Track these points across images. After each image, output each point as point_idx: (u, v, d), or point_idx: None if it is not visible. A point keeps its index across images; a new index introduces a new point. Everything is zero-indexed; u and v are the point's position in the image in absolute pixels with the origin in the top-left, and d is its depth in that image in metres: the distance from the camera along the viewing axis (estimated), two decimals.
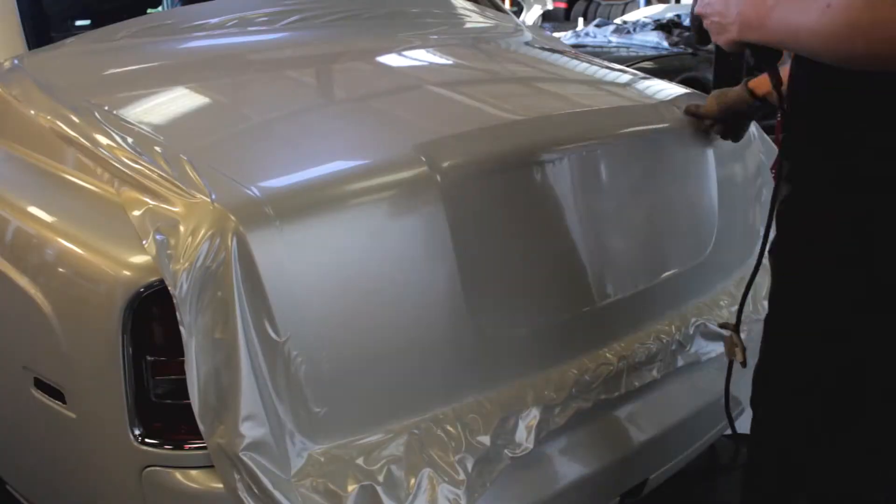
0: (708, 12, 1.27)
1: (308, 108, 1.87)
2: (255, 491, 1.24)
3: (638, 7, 12.88)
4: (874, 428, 1.28)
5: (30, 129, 1.67)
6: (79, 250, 1.39)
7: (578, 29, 9.32)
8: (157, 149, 1.44)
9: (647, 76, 2.31)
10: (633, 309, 1.76)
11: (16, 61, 1.84)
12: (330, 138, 1.65)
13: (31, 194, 1.57)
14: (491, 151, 1.57)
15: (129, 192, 1.37)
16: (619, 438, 1.73)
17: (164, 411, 1.32)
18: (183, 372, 1.23)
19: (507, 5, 5.69)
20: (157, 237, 1.26)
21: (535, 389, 1.55)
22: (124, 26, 1.99)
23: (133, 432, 1.31)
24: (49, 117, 1.60)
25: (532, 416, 1.52)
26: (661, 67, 6.27)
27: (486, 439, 1.45)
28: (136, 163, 1.40)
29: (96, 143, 1.49)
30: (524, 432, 1.51)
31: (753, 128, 2.10)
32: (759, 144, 2.11)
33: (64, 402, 1.41)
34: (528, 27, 2.68)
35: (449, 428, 1.43)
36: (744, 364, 1.51)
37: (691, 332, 1.83)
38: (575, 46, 5.24)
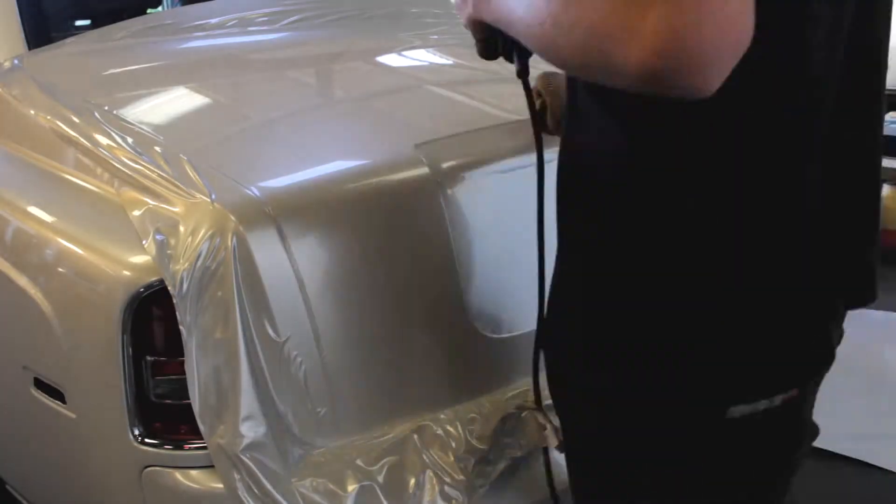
0: None
1: (308, 108, 1.87)
2: (255, 491, 1.24)
3: None
4: None
5: (30, 129, 1.67)
6: (79, 250, 1.39)
7: None
8: (157, 149, 1.44)
9: None
10: None
11: (16, 61, 1.84)
12: (330, 138, 1.65)
13: (31, 194, 1.57)
14: (491, 151, 1.56)
15: (129, 192, 1.37)
16: None
17: (163, 411, 1.32)
18: (183, 372, 1.23)
19: None
20: (157, 237, 1.26)
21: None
22: (124, 26, 2.00)
23: (133, 432, 1.31)
24: (49, 117, 1.60)
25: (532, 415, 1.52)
26: None
27: (486, 439, 1.45)
28: (136, 163, 1.40)
29: (96, 143, 1.49)
30: (524, 432, 1.51)
31: None
32: None
33: (64, 402, 1.41)
34: None
35: (449, 428, 1.43)
36: (560, 449, 1.20)
37: None
38: None
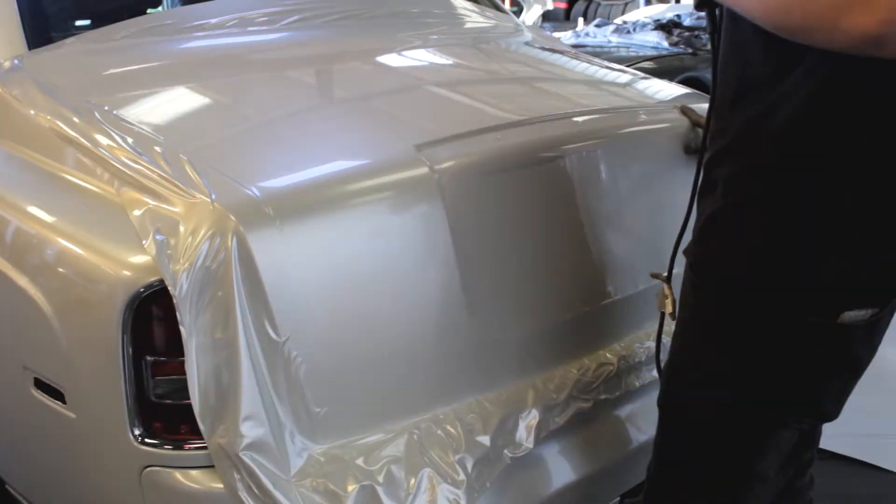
0: None
1: (308, 108, 1.87)
2: (255, 491, 1.24)
3: (638, 7, 12.88)
4: None
5: (30, 129, 1.67)
6: (79, 250, 1.39)
7: (578, 29, 9.31)
8: (157, 149, 1.44)
9: (647, 76, 2.31)
10: (634, 309, 1.76)
11: (16, 61, 1.84)
12: (330, 138, 1.65)
13: (31, 194, 1.57)
14: (491, 151, 1.56)
15: (129, 192, 1.37)
16: (619, 438, 1.73)
17: (164, 411, 1.32)
18: (183, 372, 1.23)
19: (507, 5, 5.70)
20: (157, 237, 1.26)
21: (535, 389, 1.55)
22: (124, 26, 1.99)
23: (133, 432, 1.31)
24: (49, 117, 1.61)
25: (532, 416, 1.52)
26: (661, 67, 6.27)
27: (486, 439, 1.45)
28: (136, 163, 1.40)
29: (96, 143, 1.49)
30: (524, 432, 1.51)
31: None
32: None
33: (64, 402, 1.41)
34: (528, 27, 2.68)
35: (449, 428, 1.43)
36: (673, 317, 1.45)
37: None
38: (575, 46, 5.24)
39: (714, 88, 1.22)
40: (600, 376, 1.63)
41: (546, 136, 1.67)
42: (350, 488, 1.30)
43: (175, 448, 1.32)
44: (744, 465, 1.28)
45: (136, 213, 1.32)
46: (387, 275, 1.39)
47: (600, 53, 6.46)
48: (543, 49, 2.46)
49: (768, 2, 0.97)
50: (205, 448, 1.27)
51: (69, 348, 1.38)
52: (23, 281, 1.45)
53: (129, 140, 1.47)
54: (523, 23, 2.73)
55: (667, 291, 1.50)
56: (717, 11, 1.22)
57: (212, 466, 1.28)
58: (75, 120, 1.57)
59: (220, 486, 1.27)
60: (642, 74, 2.36)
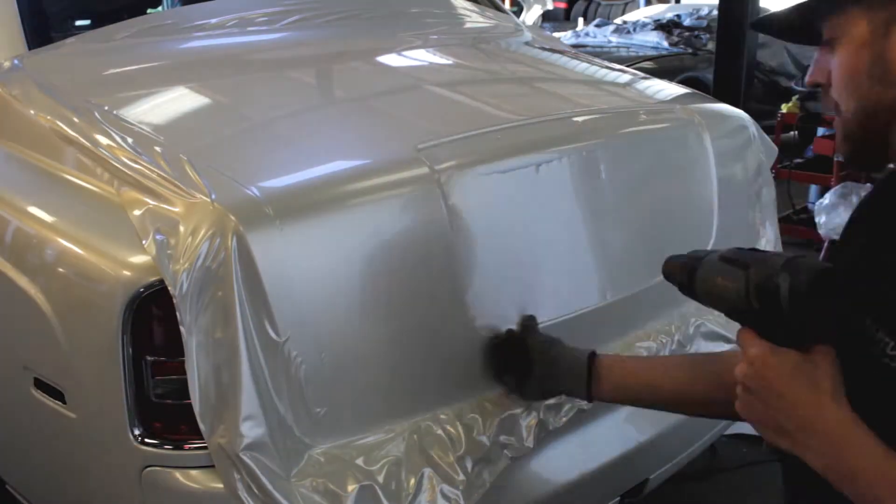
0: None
1: (308, 108, 1.87)
2: (255, 491, 1.24)
3: (638, 7, 12.88)
4: None
5: (30, 129, 1.67)
6: (79, 250, 1.39)
7: (578, 29, 9.32)
8: (157, 149, 1.44)
9: (647, 76, 2.31)
10: (634, 309, 1.76)
11: (16, 61, 1.84)
12: (330, 138, 1.65)
13: (31, 194, 1.57)
14: (491, 152, 1.56)
15: (129, 192, 1.37)
16: (619, 438, 1.73)
17: (164, 411, 1.32)
18: (183, 372, 1.23)
19: (507, 5, 5.70)
20: (157, 237, 1.26)
21: None
22: (124, 26, 1.99)
23: (133, 432, 1.31)
24: (49, 117, 1.60)
25: (532, 416, 1.52)
26: (661, 67, 6.27)
27: (485, 439, 1.45)
28: (136, 163, 1.40)
29: (96, 143, 1.49)
30: (524, 432, 1.51)
31: (753, 128, 2.10)
32: (758, 144, 2.11)
33: (64, 402, 1.41)
34: (528, 27, 2.68)
35: (449, 428, 1.43)
36: None
37: (691, 332, 1.83)
38: (575, 46, 5.24)
39: None
40: None
41: (546, 136, 1.67)
42: (350, 488, 1.30)
43: (175, 448, 1.31)
44: None
45: (136, 213, 1.32)
46: (387, 275, 1.39)
47: (600, 53, 6.46)
48: (543, 49, 2.46)
49: None
50: (205, 448, 1.27)
51: (69, 348, 1.38)
52: (23, 281, 1.45)
53: (129, 140, 1.47)
54: (523, 23, 2.74)
55: None
56: None
57: (212, 466, 1.28)
58: (75, 120, 1.57)
59: (220, 486, 1.27)
60: (642, 74, 2.36)
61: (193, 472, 1.31)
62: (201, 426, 1.23)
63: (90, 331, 1.35)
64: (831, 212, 4.34)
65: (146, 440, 1.32)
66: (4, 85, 1.77)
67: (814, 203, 4.78)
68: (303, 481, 1.29)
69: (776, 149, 2.25)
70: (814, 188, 5.03)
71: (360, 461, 1.34)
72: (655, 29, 7.43)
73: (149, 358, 1.30)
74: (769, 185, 2.14)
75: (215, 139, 1.64)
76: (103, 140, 1.49)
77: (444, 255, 1.44)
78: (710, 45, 6.66)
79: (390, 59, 2.17)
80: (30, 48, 1.89)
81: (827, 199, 4.57)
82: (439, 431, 1.42)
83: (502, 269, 1.56)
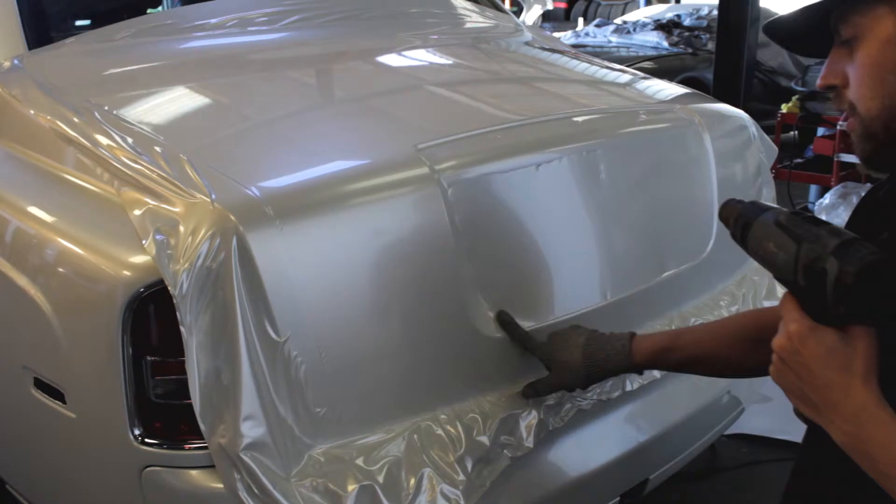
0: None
1: (308, 108, 1.87)
2: (255, 491, 1.24)
3: (638, 7, 12.89)
4: None
5: (30, 129, 1.67)
6: (79, 250, 1.39)
7: (578, 29, 9.32)
8: (157, 149, 1.44)
9: (647, 76, 2.31)
10: (634, 309, 1.76)
11: (16, 61, 1.84)
12: (330, 138, 1.65)
13: (31, 194, 1.57)
14: (491, 152, 1.57)
15: (129, 192, 1.37)
16: (619, 438, 1.73)
17: (164, 411, 1.32)
18: (183, 372, 1.23)
19: (507, 5, 5.70)
20: (157, 237, 1.26)
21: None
22: (124, 26, 2.00)
23: (133, 432, 1.31)
24: (49, 117, 1.61)
25: (532, 416, 1.52)
26: (661, 67, 6.28)
27: (485, 439, 1.45)
28: (136, 163, 1.40)
29: (96, 143, 1.49)
30: (524, 432, 1.51)
31: (753, 128, 2.10)
32: (759, 144, 2.11)
33: (64, 402, 1.41)
34: (528, 27, 2.68)
35: (449, 428, 1.43)
36: None
37: None
38: (575, 46, 5.24)
39: None
40: None
41: (546, 136, 1.67)
42: (350, 488, 1.30)
43: (175, 448, 1.32)
44: None
45: (136, 213, 1.32)
46: (387, 275, 1.39)
47: (600, 53, 6.47)
48: (543, 49, 2.46)
49: None
50: (205, 448, 1.27)
51: (69, 348, 1.38)
52: (23, 281, 1.45)
53: (129, 140, 1.47)
54: (523, 23, 2.74)
55: None
56: None
57: (212, 466, 1.28)
58: (75, 120, 1.57)
59: (220, 486, 1.27)
60: (642, 74, 2.36)
61: (193, 472, 1.31)
62: (202, 426, 1.23)
63: (90, 331, 1.35)
64: (831, 212, 4.34)
65: (146, 440, 1.32)
66: (4, 85, 1.77)
67: (814, 203, 4.79)
68: (303, 481, 1.29)
69: (776, 149, 2.25)
70: (814, 188, 5.04)
71: (360, 461, 1.34)
72: (655, 29, 7.44)
73: (149, 358, 1.30)
74: (769, 185, 2.14)
75: (215, 139, 1.64)
76: (103, 140, 1.49)
77: (444, 255, 1.44)
78: (710, 45, 6.67)
79: (390, 59, 2.17)
80: (30, 48, 1.89)
81: (827, 198, 4.58)
82: (439, 431, 1.42)
83: (502, 270, 1.56)
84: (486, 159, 1.54)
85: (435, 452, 1.40)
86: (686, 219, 1.90)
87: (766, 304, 1.42)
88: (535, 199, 1.59)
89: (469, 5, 2.59)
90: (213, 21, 2.06)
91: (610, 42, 7.61)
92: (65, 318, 1.38)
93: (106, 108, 1.63)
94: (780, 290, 1.35)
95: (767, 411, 2.50)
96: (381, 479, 1.33)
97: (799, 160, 5.02)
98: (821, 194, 4.81)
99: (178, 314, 1.22)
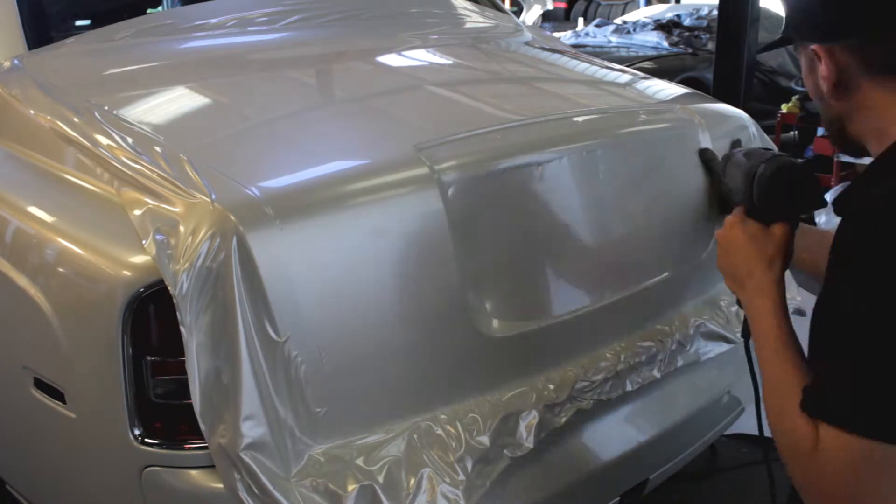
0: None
1: (308, 108, 1.87)
2: (255, 491, 1.24)
3: (638, 7, 12.89)
4: None
5: (30, 129, 1.67)
6: (79, 250, 1.39)
7: (578, 29, 9.33)
8: (157, 149, 1.44)
9: (647, 76, 2.31)
10: (634, 309, 1.76)
11: (16, 61, 1.84)
12: (330, 138, 1.65)
13: (31, 194, 1.57)
14: (491, 152, 1.56)
15: (129, 192, 1.37)
16: (619, 438, 1.73)
17: (164, 411, 1.32)
18: (183, 372, 1.23)
19: (507, 5, 5.70)
20: (157, 237, 1.26)
21: (536, 389, 1.55)
22: (124, 26, 2.00)
23: (133, 432, 1.31)
24: (49, 117, 1.61)
25: (532, 416, 1.52)
26: (661, 67, 6.28)
27: (486, 439, 1.45)
28: (136, 163, 1.40)
29: (96, 143, 1.49)
30: (524, 432, 1.51)
31: (753, 128, 2.10)
32: (759, 144, 2.11)
33: (64, 402, 1.41)
34: (528, 27, 2.68)
35: (449, 428, 1.43)
36: None
37: (691, 331, 1.83)
38: (575, 46, 5.24)
39: None
40: (600, 376, 1.63)
41: (546, 136, 1.67)
42: (350, 488, 1.30)
43: (175, 448, 1.32)
44: None
45: (136, 213, 1.32)
46: (387, 274, 1.39)
47: (600, 53, 6.47)
48: (543, 49, 2.46)
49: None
50: (205, 448, 1.27)
51: (69, 348, 1.38)
52: (23, 281, 1.45)
53: (129, 140, 1.47)
54: (523, 23, 2.74)
55: None
56: None
57: (212, 466, 1.28)
58: (75, 120, 1.57)
59: (220, 486, 1.27)
60: (642, 74, 2.36)
61: (193, 472, 1.31)
62: (202, 426, 1.23)
63: (90, 331, 1.35)
64: (831, 211, 4.34)
65: (146, 440, 1.32)
66: (4, 85, 1.77)
67: None
68: (303, 481, 1.29)
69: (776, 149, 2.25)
70: None
71: (360, 461, 1.34)
72: (655, 29, 7.44)
73: (149, 358, 1.30)
74: None
75: (215, 139, 1.64)
76: (103, 140, 1.49)
77: (444, 255, 1.44)
78: (710, 45, 6.66)
79: (390, 59, 2.17)
80: (30, 48, 1.89)
81: (827, 198, 4.58)
82: (439, 431, 1.42)
83: (502, 269, 1.56)
84: (486, 159, 1.54)
85: (435, 452, 1.40)
86: (686, 219, 1.90)
87: None
88: (535, 199, 1.59)
89: (469, 5, 2.59)
90: (213, 21, 2.06)
91: (610, 42, 7.61)
92: (65, 318, 1.38)
93: (106, 108, 1.63)
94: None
95: None
96: (381, 479, 1.33)
97: (799, 160, 5.03)
98: None
99: (178, 314, 1.22)
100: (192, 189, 1.31)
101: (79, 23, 2.37)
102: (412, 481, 1.36)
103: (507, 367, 1.55)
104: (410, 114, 1.83)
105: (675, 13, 8.04)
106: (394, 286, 1.40)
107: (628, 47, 7.31)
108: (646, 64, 6.41)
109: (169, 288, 1.22)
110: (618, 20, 8.63)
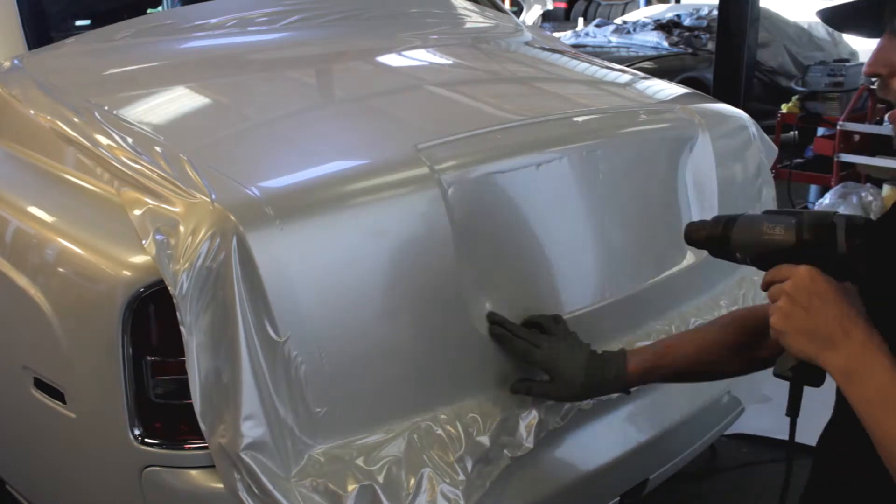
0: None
1: (308, 108, 1.87)
2: (255, 491, 1.24)
3: (638, 7, 12.89)
4: None
5: (30, 129, 1.67)
6: (79, 250, 1.39)
7: (578, 29, 9.32)
8: (157, 149, 1.44)
9: (647, 76, 2.31)
10: (634, 309, 1.76)
11: (16, 61, 1.84)
12: (330, 138, 1.65)
13: (31, 194, 1.57)
14: (491, 152, 1.56)
15: (129, 192, 1.37)
16: (619, 438, 1.73)
17: (164, 411, 1.32)
18: (183, 372, 1.23)
19: (507, 5, 5.70)
20: (157, 237, 1.26)
21: None
22: (124, 26, 1.99)
23: (133, 432, 1.31)
24: (49, 117, 1.61)
25: (532, 416, 1.52)
26: (661, 67, 6.28)
27: (486, 439, 1.45)
28: (136, 163, 1.40)
29: (96, 143, 1.49)
30: (524, 432, 1.51)
31: (753, 128, 2.10)
32: (758, 144, 2.11)
33: (64, 402, 1.41)
34: (528, 27, 2.68)
35: (449, 428, 1.43)
36: None
37: None
38: (575, 46, 5.24)
39: None
40: None
41: (546, 136, 1.67)
42: (350, 488, 1.30)
43: (175, 448, 1.32)
44: None
45: (136, 213, 1.32)
46: (387, 274, 1.39)
47: (600, 53, 6.46)
48: (543, 49, 2.46)
49: None
50: (205, 448, 1.27)
51: (69, 348, 1.38)
52: (23, 281, 1.45)
53: (129, 140, 1.47)
54: (523, 23, 2.74)
55: None
56: None
57: (212, 466, 1.28)
58: (75, 120, 1.57)
59: (220, 486, 1.27)
60: (642, 74, 2.36)
61: (193, 472, 1.31)
62: (202, 426, 1.23)
63: (90, 331, 1.35)
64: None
65: (146, 440, 1.32)
66: (4, 85, 1.77)
67: (814, 203, 4.79)
68: (303, 481, 1.29)
69: (776, 149, 2.25)
70: (814, 188, 5.03)
71: (360, 461, 1.34)
72: (655, 29, 7.44)
73: (149, 358, 1.30)
74: (769, 185, 2.14)
75: (215, 139, 1.64)
76: (103, 140, 1.49)
77: (444, 255, 1.44)
78: (710, 45, 6.66)
79: (390, 59, 2.17)
80: (30, 48, 1.89)
81: (827, 198, 4.57)
82: (439, 431, 1.42)
83: (502, 269, 1.56)
84: (486, 159, 1.54)
85: (435, 452, 1.40)
86: (686, 218, 1.90)
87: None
88: (535, 199, 1.59)
89: (469, 5, 2.59)
90: (213, 21, 2.06)
91: (610, 42, 7.61)
92: (65, 318, 1.38)
93: (106, 108, 1.63)
94: None
95: (767, 411, 2.50)
96: (381, 479, 1.33)
97: (799, 160, 5.02)
98: (821, 194, 4.81)
99: (178, 314, 1.22)
100: (192, 189, 1.31)
101: (79, 23, 2.37)
102: (412, 481, 1.36)
103: (507, 366, 1.55)
104: (410, 114, 1.83)
105: (675, 13, 8.03)
106: (394, 286, 1.40)
107: (628, 47, 7.31)
108: (646, 64, 6.41)
109: (169, 288, 1.22)
110: (618, 20, 8.63)
